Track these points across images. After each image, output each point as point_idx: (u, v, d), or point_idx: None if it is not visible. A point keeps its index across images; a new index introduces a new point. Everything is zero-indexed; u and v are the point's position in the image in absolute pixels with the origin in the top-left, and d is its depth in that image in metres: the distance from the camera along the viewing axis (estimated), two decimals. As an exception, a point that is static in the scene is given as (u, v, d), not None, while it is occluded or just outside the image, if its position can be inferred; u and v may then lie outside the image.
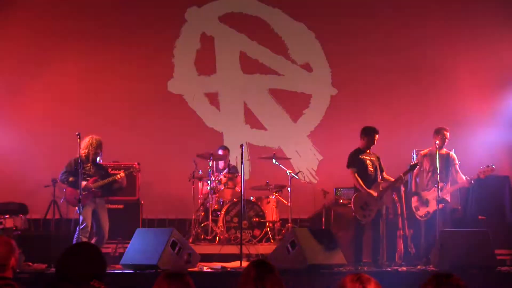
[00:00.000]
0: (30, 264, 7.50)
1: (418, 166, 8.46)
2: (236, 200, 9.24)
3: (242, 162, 8.31)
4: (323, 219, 9.54)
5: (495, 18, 11.01)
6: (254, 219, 9.24)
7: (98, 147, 8.16)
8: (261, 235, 9.17)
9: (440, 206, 8.18)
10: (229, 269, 7.46)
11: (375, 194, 7.98)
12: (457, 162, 8.61)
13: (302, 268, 7.04)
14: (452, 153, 8.68)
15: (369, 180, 8.09)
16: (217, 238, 9.07)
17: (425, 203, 8.46)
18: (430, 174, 8.53)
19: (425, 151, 8.73)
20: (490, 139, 10.61)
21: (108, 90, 10.75)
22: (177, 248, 7.20)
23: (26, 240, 7.92)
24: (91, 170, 8.15)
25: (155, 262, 6.93)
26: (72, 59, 10.69)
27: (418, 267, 8.03)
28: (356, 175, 8.07)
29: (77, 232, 7.82)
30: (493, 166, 8.30)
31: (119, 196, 8.98)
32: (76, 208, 7.83)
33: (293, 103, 11.09)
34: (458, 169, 8.55)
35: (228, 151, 9.99)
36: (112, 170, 9.05)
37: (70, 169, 8.06)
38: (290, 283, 6.42)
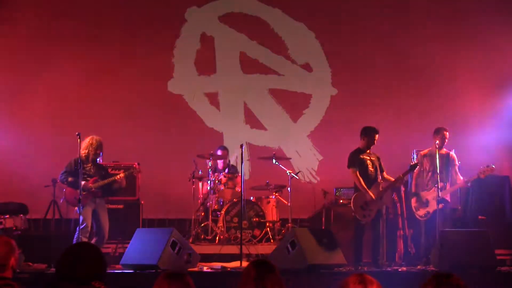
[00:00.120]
0: (30, 264, 7.49)
1: (418, 166, 8.46)
2: (236, 200, 9.24)
3: (242, 162, 8.31)
4: (323, 219, 9.53)
5: (495, 18, 11.01)
6: (254, 219, 9.24)
7: (98, 148, 8.16)
8: (261, 235, 9.17)
9: (440, 206, 8.18)
10: (229, 269, 7.46)
11: (375, 194, 7.97)
12: (457, 162, 8.61)
13: (302, 268, 7.03)
14: (452, 153, 8.67)
15: (370, 180, 8.08)
16: (217, 238, 9.07)
17: (425, 203, 8.46)
18: (430, 174, 8.52)
19: (425, 151, 8.73)
20: (490, 139, 10.61)
21: (108, 90, 10.74)
22: (177, 248, 7.20)
23: (26, 240, 7.91)
24: (91, 170, 8.15)
25: (155, 262, 6.93)
26: (72, 59, 10.68)
27: (418, 267, 8.03)
28: (357, 174, 8.06)
29: (77, 232, 7.81)
30: (493, 166, 8.30)
31: (119, 196, 8.97)
32: (76, 208, 7.82)
33: (293, 103, 11.09)
34: (457, 170, 8.55)
35: (227, 151, 9.98)
36: (112, 170, 9.05)
37: (70, 169, 8.05)
38: (290, 283, 6.45)
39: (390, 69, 11.06)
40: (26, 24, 10.72)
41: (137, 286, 6.64)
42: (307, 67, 11.19)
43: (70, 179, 7.99)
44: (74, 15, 10.85)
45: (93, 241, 7.84)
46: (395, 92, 11.01)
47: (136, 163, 8.68)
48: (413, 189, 8.70)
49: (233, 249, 8.52)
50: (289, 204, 9.33)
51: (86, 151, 8.09)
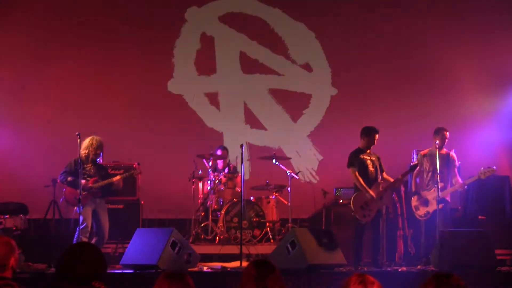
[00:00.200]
0: (30, 264, 7.49)
1: (418, 167, 8.46)
2: (236, 200, 9.24)
3: (242, 162, 8.31)
4: (323, 219, 9.53)
5: (495, 18, 11.01)
6: (254, 219, 9.24)
7: (98, 148, 8.15)
8: (261, 235, 9.17)
9: (440, 206, 8.17)
10: (229, 269, 7.46)
11: (375, 194, 7.97)
12: (457, 162, 8.61)
13: (302, 268, 7.03)
14: (452, 153, 8.66)
15: (370, 180, 8.08)
16: (217, 238, 9.07)
17: (425, 203, 8.45)
18: (430, 174, 8.52)
19: (425, 151, 8.72)
20: (490, 139, 10.61)
21: (108, 90, 10.75)
22: (177, 248, 7.20)
23: (26, 240, 7.92)
24: (92, 170, 8.15)
25: (155, 262, 6.93)
26: (72, 59, 10.69)
27: (418, 267, 8.03)
28: (356, 174, 8.06)
29: (77, 232, 7.81)
30: (495, 167, 8.29)
31: (119, 196, 8.98)
32: (76, 208, 7.82)
33: (293, 103, 11.09)
34: (457, 172, 8.54)
35: (227, 151, 9.99)
36: (112, 170, 9.07)
37: (69, 169, 8.05)
38: (290, 283, 6.45)
39: (390, 69, 11.06)
40: (25, 24, 10.71)
41: (137, 286, 6.65)
42: (307, 67, 11.19)
43: (69, 179, 7.99)
44: (74, 15, 10.85)
45: (93, 241, 7.84)
46: (395, 92, 11.00)
47: (136, 163, 8.68)
48: (413, 189, 8.69)
49: (233, 249, 8.52)
50: (289, 204, 9.33)
51: (86, 151, 8.09)
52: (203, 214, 9.52)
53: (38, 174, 9.80)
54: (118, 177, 8.22)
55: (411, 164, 8.50)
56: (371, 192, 7.95)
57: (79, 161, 7.81)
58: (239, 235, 8.31)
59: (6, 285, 3.53)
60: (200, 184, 9.66)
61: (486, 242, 7.63)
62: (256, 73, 11.13)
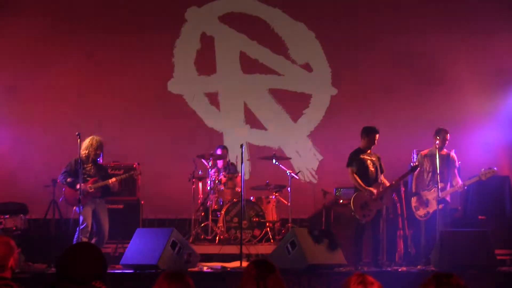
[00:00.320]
0: (30, 264, 7.49)
1: (418, 168, 8.46)
2: (236, 200, 9.24)
3: (242, 162, 8.31)
4: (323, 219, 9.52)
5: (495, 18, 11.00)
6: (254, 219, 9.23)
7: (98, 148, 8.15)
8: (261, 235, 9.17)
9: (440, 206, 8.17)
10: (229, 269, 7.46)
11: (375, 191, 7.96)
12: (457, 163, 8.60)
13: (302, 268, 7.03)
14: (453, 153, 8.66)
15: (370, 180, 8.07)
16: (217, 238, 9.07)
17: (425, 203, 8.45)
18: (430, 174, 8.51)
19: (426, 151, 8.71)
20: (490, 139, 10.61)
21: (108, 90, 10.76)
22: (177, 248, 7.20)
23: (26, 240, 7.91)
24: (92, 170, 8.14)
25: (155, 262, 6.93)
26: (72, 59, 10.69)
27: (418, 267, 8.02)
28: (354, 174, 8.05)
29: (77, 232, 7.81)
30: (495, 168, 8.28)
31: (119, 196, 8.98)
32: (76, 208, 7.82)
33: (293, 103, 11.08)
34: (457, 173, 8.53)
35: (227, 151, 9.98)
36: (112, 170, 9.06)
37: (69, 169, 8.05)
38: (290, 283, 6.45)
39: (390, 69, 11.05)
40: (25, 24, 10.71)
41: (137, 286, 6.65)
42: (307, 67, 11.18)
43: (69, 179, 7.98)
44: (73, 15, 10.85)
45: (93, 241, 7.84)
46: (395, 92, 11.00)
47: (136, 163, 8.67)
48: (413, 189, 8.69)
49: (233, 249, 8.52)
50: (289, 204, 9.33)
51: (87, 151, 8.08)
52: (203, 214, 9.52)
53: (38, 174, 9.80)
54: (113, 179, 8.18)
55: (412, 165, 8.49)
56: (371, 189, 7.93)
57: (79, 161, 7.81)
58: (239, 235, 8.31)
59: (5, 285, 3.53)
60: (200, 184, 9.66)
61: (486, 242, 7.63)
62: (256, 73, 11.13)
